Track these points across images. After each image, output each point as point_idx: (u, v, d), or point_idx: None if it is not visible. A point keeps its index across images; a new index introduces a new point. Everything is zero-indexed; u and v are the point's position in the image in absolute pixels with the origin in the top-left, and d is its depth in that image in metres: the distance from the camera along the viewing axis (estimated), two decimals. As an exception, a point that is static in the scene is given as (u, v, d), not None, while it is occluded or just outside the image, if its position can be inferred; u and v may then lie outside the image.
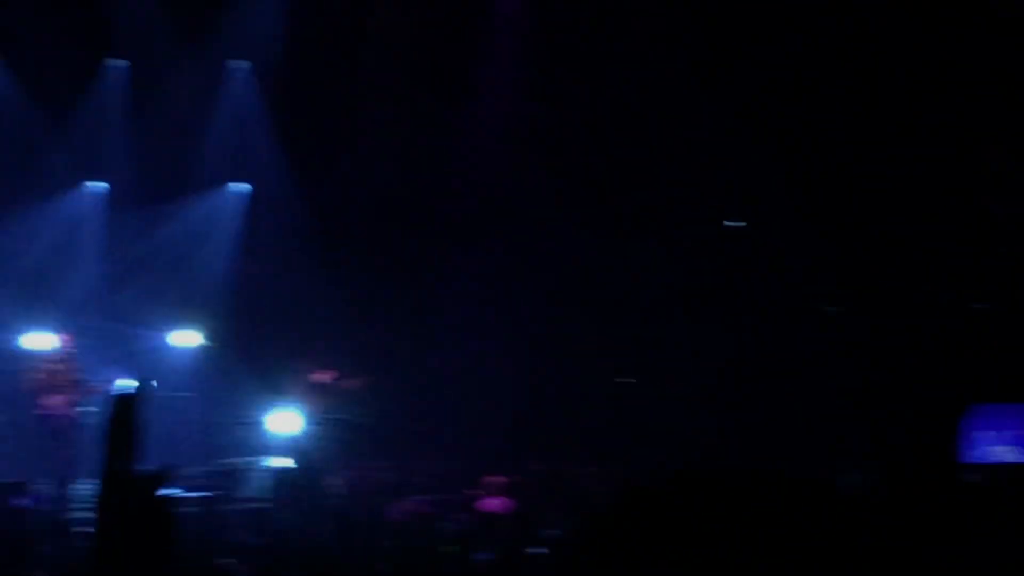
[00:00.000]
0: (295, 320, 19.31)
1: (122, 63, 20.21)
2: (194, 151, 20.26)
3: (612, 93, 19.41)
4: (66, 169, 19.81)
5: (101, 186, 20.12)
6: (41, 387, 16.40)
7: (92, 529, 7.31)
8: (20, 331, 17.24)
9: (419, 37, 20.15)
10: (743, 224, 18.88)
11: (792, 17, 17.86)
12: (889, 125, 17.62)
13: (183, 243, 20.24)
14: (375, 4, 20.62)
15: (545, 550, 11.41)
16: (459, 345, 19.00)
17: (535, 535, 12.32)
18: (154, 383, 8.34)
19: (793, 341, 18.06)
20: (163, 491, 7.11)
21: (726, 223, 18.99)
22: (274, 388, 16.97)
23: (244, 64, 20.57)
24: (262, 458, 16.10)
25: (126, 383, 7.93)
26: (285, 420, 16.50)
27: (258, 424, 16.59)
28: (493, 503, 14.97)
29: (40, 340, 16.99)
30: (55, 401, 16.30)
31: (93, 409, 15.11)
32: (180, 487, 11.96)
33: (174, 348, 18.72)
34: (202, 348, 18.86)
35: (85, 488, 13.42)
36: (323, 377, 17.48)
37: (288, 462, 15.90)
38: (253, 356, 18.27)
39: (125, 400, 7.14)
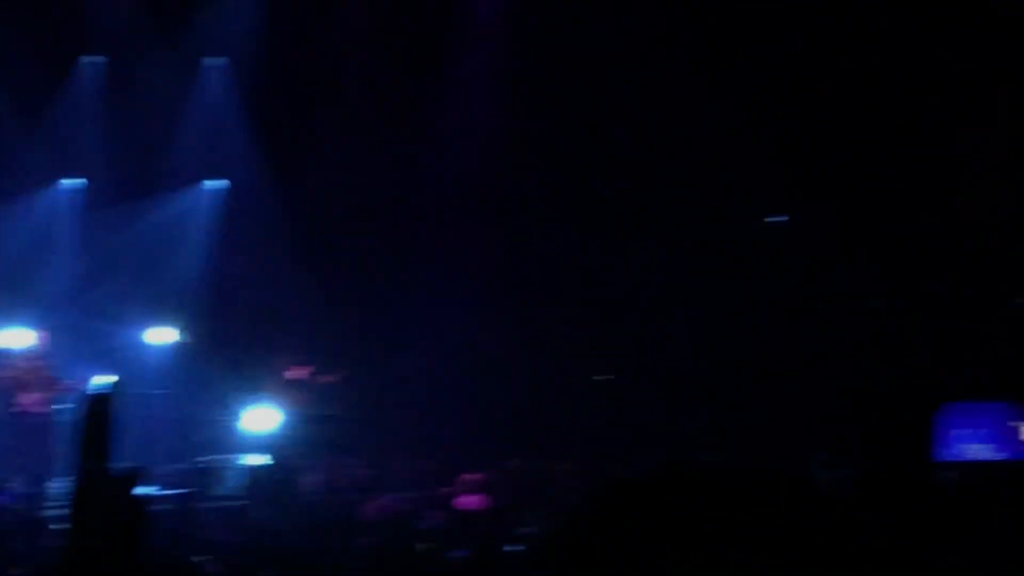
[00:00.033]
0: (271, 316, 19.29)
1: (98, 59, 20.15)
2: (170, 148, 20.21)
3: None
4: (41, 166, 19.74)
5: (77, 183, 20.05)
6: (16, 384, 16.34)
7: (66, 527, 7.27)
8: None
9: (399, 30, 20.02)
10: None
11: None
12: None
13: (159, 240, 20.19)
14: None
15: (522, 548, 11.41)
16: (436, 342, 18.96)
17: (512, 533, 12.31)
18: (116, 378, 8.28)
19: (769, 339, 18.08)
20: (138, 489, 7.07)
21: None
22: (250, 385, 16.94)
23: (220, 61, 20.52)
24: (238, 455, 16.07)
25: (101, 380, 7.88)
26: (261, 417, 16.46)
27: (233, 421, 16.55)
28: (469, 500, 14.95)
29: (15, 337, 16.92)
30: (30, 398, 16.25)
31: (68, 406, 15.06)
32: (155, 485, 11.93)
33: (150, 345, 18.67)
34: (178, 345, 18.82)
35: (60, 486, 13.38)
36: (299, 373, 17.46)
37: (264, 459, 15.86)
38: (229, 353, 18.25)
39: (100, 398, 7.11)
